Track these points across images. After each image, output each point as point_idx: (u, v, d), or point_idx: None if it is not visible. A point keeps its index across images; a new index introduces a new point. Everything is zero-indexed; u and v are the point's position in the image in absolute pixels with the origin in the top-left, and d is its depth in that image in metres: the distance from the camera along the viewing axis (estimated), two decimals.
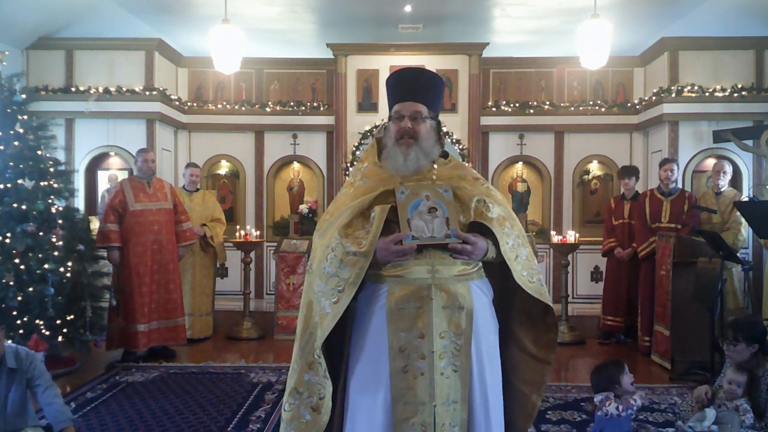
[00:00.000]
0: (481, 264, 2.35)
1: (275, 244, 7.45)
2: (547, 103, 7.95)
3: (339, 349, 2.37)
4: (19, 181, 5.27)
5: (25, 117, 5.47)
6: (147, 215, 5.85)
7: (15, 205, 5.21)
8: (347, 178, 2.51)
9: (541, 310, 2.46)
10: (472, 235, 2.25)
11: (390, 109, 2.44)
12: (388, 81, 2.49)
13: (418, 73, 2.48)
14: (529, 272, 2.37)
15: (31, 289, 5.13)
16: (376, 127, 7.75)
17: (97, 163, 7.61)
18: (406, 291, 2.24)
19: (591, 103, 7.94)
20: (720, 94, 7.05)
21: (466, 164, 2.61)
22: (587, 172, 8.14)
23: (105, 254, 6.19)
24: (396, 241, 2.20)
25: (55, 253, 5.34)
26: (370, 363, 2.26)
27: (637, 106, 7.84)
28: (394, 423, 2.21)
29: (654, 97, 7.36)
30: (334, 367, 2.34)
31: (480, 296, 2.32)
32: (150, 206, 5.88)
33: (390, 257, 2.21)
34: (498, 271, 2.42)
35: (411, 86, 2.41)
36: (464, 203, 2.32)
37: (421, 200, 2.27)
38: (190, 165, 7.01)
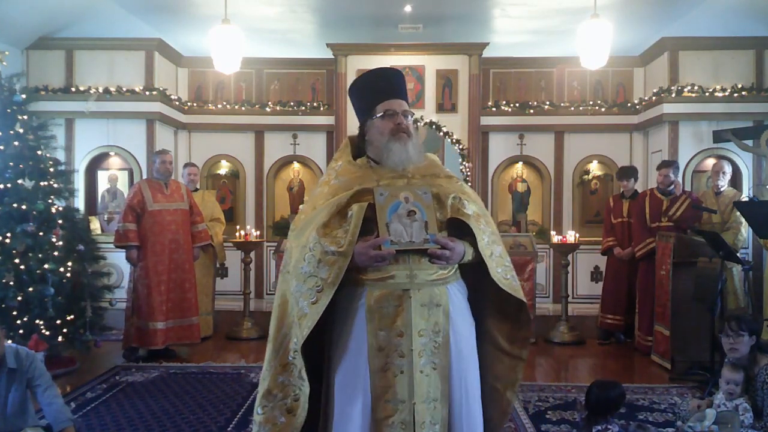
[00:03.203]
0: (457, 267, 2.36)
1: (275, 244, 7.46)
2: (547, 103, 7.96)
3: (319, 349, 2.34)
4: (19, 181, 5.27)
5: (25, 117, 5.47)
6: (165, 215, 5.88)
7: (15, 205, 5.21)
8: (321, 177, 2.50)
9: (515, 307, 2.46)
10: (450, 240, 2.26)
11: (364, 108, 2.42)
12: (362, 82, 2.47)
13: (396, 72, 2.48)
14: (504, 269, 2.38)
15: (31, 289, 5.13)
16: None
17: (97, 163, 7.60)
18: (385, 291, 2.24)
19: (591, 103, 7.94)
20: (720, 94, 7.05)
21: (440, 162, 2.59)
22: (587, 172, 8.14)
23: (105, 255, 6.24)
24: (375, 246, 2.19)
25: (55, 253, 5.35)
26: (350, 362, 2.25)
27: (637, 106, 7.85)
28: (374, 422, 2.21)
29: (654, 97, 7.36)
30: (316, 367, 2.33)
31: (457, 296, 2.34)
32: (168, 206, 5.92)
33: (368, 262, 2.20)
34: (470, 271, 2.43)
35: (395, 85, 2.43)
36: (441, 201, 2.33)
37: (400, 203, 2.25)
38: (188, 165, 7.01)
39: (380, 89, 2.40)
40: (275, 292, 2.39)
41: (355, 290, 2.27)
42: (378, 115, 2.36)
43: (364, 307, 2.24)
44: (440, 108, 7.79)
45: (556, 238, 6.81)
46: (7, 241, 5.15)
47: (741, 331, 3.60)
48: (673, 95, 7.06)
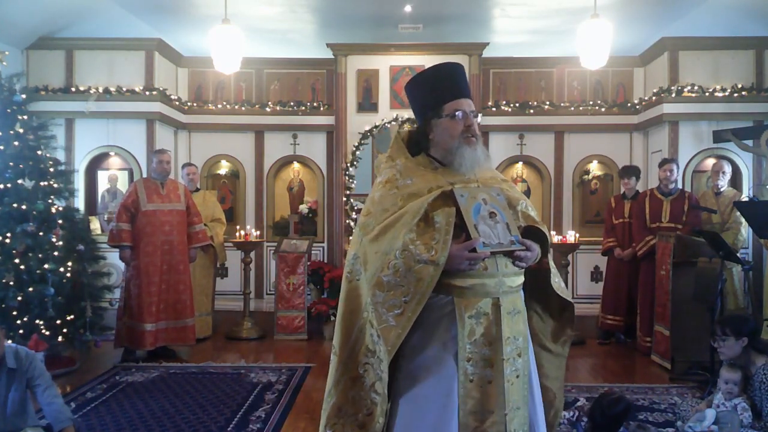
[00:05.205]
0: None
1: (275, 244, 7.46)
2: (547, 103, 7.95)
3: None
4: (19, 181, 5.27)
5: (25, 117, 5.48)
6: (158, 216, 5.86)
7: (15, 205, 5.21)
8: (381, 175, 2.35)
9: (559, 307, 2.48)
10: (529, 241, 2.24)
11: (428, 105, 2.32)
12: (426, 78, 2.37)
13: (460, 68, 2.38)
14: (554, 272, 2.41)
15: (31, 289, 5.13)
16: (376, 127, 7.74)
17: (97, 163, 7.60)
18: (475, 300, 2.17)
19: (591, 103, 7.94)
20: (720, 94, 7.04)
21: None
22: (587, 172, 8.14)
23: (105, 255, 6.25)
24: (469, 248, 2.11)
25: (55, 253, 5.35)
26: (432, 373, 2.16)
27: (637, 106, 7.84)
28: None
29: (654, 97, 7.36)
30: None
31: (524, 302, 2.34)
32: (162, 207, 5.89)
33: (462, 264, 2.12)
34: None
35: (461, 83, 2.35)
36: (512, 205, 2.31)
37: (480, 204, 2.20)
38: (186, 165, 7.01)
39: (447, 87, 2.31)
40: (339, 302, 2.20)
41: (440, 298, 2.17)
42: (446, 114, 2.28)
43: (453, 315, 2.15)
44: None
45: (556, 238, 6.81)
46: (7, 241, 5.16)
47: (725, 336, 3.62)
48: (673, 95, 7.06)
